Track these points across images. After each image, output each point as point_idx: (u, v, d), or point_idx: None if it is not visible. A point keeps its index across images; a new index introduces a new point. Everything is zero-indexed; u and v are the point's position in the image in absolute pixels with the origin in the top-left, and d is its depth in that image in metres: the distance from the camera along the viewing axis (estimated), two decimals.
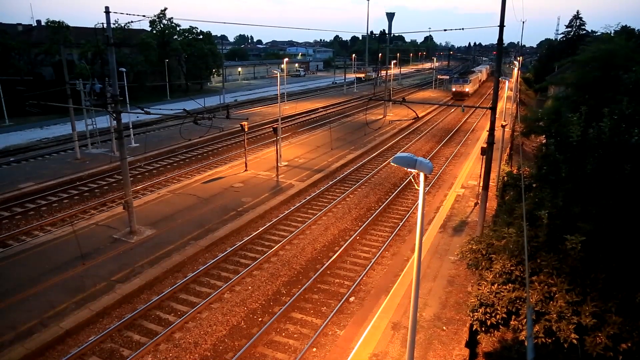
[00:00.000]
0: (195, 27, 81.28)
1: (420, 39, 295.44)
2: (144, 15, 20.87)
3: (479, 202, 21.29)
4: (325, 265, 18.87)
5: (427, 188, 29.16)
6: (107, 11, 18.37)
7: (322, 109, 63.10)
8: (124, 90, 36.38)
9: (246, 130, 30.43)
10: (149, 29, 76.06)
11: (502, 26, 17.43)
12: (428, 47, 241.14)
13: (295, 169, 31.98)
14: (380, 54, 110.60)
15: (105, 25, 18.70)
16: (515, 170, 21.51)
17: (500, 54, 19.83)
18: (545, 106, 39.43)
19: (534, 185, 14.06)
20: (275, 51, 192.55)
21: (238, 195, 26.28)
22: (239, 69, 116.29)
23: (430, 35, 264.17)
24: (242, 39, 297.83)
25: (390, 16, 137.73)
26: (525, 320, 9.89)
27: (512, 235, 11.52)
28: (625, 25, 49.94)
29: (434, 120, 57.34)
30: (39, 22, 76.48)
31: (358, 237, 21.84)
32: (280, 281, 17.80)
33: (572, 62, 32.19)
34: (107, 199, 26.58)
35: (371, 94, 70.56)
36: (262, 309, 15.95)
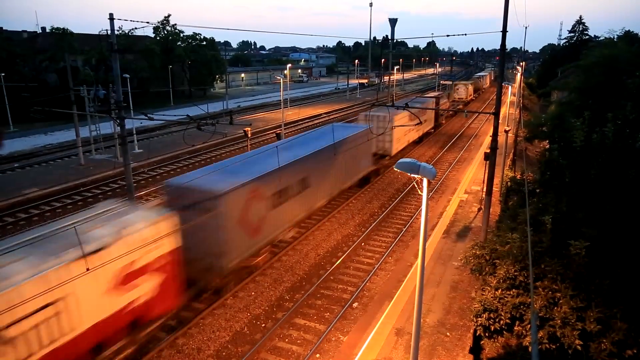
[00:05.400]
0: (199, 34, 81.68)
1: (423, 44, 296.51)
2: (147, 22, 20.99)
3: (483, 207, 21.23)
4: (329, 271, 18.85)
5: (431, 193, 29.12)
6: (111, 18, 18.49)
7: (325, 115, 63.19)
8: (128, 97, 36.47)
9: (249, 136, 30.46)
10: (152, 35, 76.57)
11: (504, 31, 17.47)
12: (431, 53, 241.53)
13: None
14: (383, 60, 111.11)
15: (109, 32, 18.83)
16: (518, 176, 21.49)
17: (503, 59, 19.85)
18: (548, 111, 39.38)
19: (538, 190, 14.05)
20: (278, 57, 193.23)
21: None
22: (242, 74, 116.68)
23: (433, 41, 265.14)
24: (245, 44, 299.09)
25: (393, 22, 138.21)
26: (529, 325, 9.86)
27: (516, 241, 11.51)
28: (629, 30, 49.90)
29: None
30: (43, 29, 77.17)
31: (361, 243, 21.81)
32: (284, 287, 17.77)
33: (575, 67, 32.23)
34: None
35: (374, 100, 70.60)
36: (265, 315, 15.93)
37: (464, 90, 72.64)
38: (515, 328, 10.39)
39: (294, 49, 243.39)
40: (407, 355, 13.34)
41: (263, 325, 15.39)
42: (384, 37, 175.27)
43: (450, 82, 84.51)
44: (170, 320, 15.31)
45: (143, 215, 12.64)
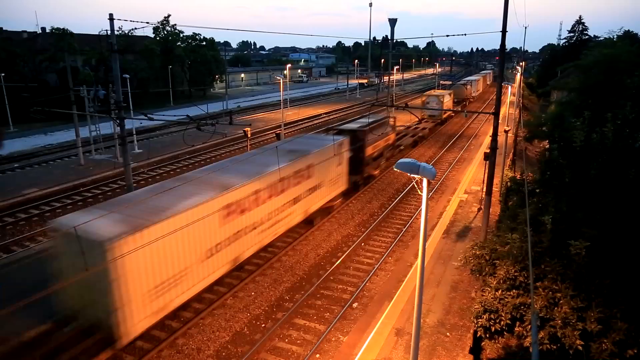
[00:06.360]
0: (199, 34, 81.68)
1: (422, 44, 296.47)
2: (147, 22, 20.99)
3: (482, 207, 21.22)
4: (329, 272, 18.84)
5: (430, 194, 29.12)
6: (111, 18, 18.50)
7: (325, 115, 63.21)
8: (128, 97, 36.49)
9: (249, 136, 30.46)
10: (152, 35, 76.60)
11: (504, 32, 17.47)
12: (430, 53, 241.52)
13: None
14: (382, 60, 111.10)
15: (109, 32, 18.83)
16: (518, 176, 21.47)
17: (502, 59, 19.85)
18: (548, 111, 39.40)
19: (538, 190, 14.03)
20: (278, 57, 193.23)
21: None
22: (242, 75, 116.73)
23: (432, 41, 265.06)
24: (245, 45, 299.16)
25: (392, 22, 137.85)
26: (529, 326, 9.84)
27: (516, 241, 11.49)
28: (628, 30, 49.89)
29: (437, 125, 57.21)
30: (43, 29, 77.03)
31: (361, 243, 21.80)
32: (283, 287, 17.76)
33: (574, 67, 32.17)
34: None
35: (374, 100, 70.61)
36: (265, 315, 15.92)
37: (437, 105, 50.30)
38: (515, 329, 10.37)
39: (293, 49, 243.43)
40: (407, 355, 13.33)
41: (263, 325, 15.38)
42: (383, 37, 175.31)
43: (451, 83, 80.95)
44: (169, 320, 15.32)
45: None
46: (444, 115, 53.87)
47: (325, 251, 20.92)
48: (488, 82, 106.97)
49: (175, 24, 77.97)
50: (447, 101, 53.02)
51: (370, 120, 30.16)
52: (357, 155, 26.92)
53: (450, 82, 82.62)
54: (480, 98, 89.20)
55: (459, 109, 62.03)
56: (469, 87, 71.65)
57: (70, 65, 38.07)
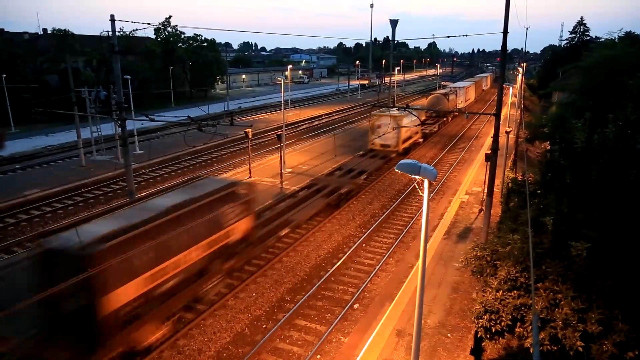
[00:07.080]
0: (200, 35, 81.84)
1: (423, 45, 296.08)
2: (148, 23, 21.13)
3: (484, 208, 21.22)
4: (329, 272, 18.83)
5: (431, 194, 29.10)
6: (112, 19, 18.55)
7: (325, 116, 63.24)
8: (129, 98, 36.53)
9: (250, 137, 30.51)
10: (153, 36, 76.78)
11: (505, 33, 17.46)
12: (432, 54, 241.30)
13: (299, 175, 31.98)
14: (383, 61, 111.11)
15: (110, 33, 18.89)
16: (519, 177, 21.48)
17: (504, 60, 19.87)
18: (549, 112, 39.37)
19: (539, 191, 14.04)
20: (279, 58, 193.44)
21: None
22: (243, 76, 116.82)
23: (433, 42, 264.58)
24: (246, 46, 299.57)
25: (393, 23, 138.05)
26: (530, 327, 9.85)
27: (517, 242, 11.49)
28: (629, 31, 49.81)
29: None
30: (45, 30, 77.21)
31: (362, 244, 21.80)
32: (284, 288, 17.76)
33: (576, 68, 32.18)
34: (112, 206, 26.56)
35: (375, 101, 70.60)
36: (266, 316, 15.92)
37: (392, 130, 34.86)
38: (516, 329, 10.38)
39: (294, 50, 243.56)
40: (408, 356, 13.33)
41: (264, 326, 15.38)
42: (384, 38, 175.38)
43: (446, 89, 61.37)
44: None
45: None
46: (403, 145, 37.17)
47: (326, 252, 20.92)
48: (484, 87, 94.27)
49: (176, 25, 78.25)
50: (409, 123, 36.50)
51: (176, 202, 14.62)
52: (81, 315, 11.67)
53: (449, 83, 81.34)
54: (482, 99, 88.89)
55: (436, 127, 50.12)
56: (452, 97, 54.85)
57: (72, 67, 38.10)
